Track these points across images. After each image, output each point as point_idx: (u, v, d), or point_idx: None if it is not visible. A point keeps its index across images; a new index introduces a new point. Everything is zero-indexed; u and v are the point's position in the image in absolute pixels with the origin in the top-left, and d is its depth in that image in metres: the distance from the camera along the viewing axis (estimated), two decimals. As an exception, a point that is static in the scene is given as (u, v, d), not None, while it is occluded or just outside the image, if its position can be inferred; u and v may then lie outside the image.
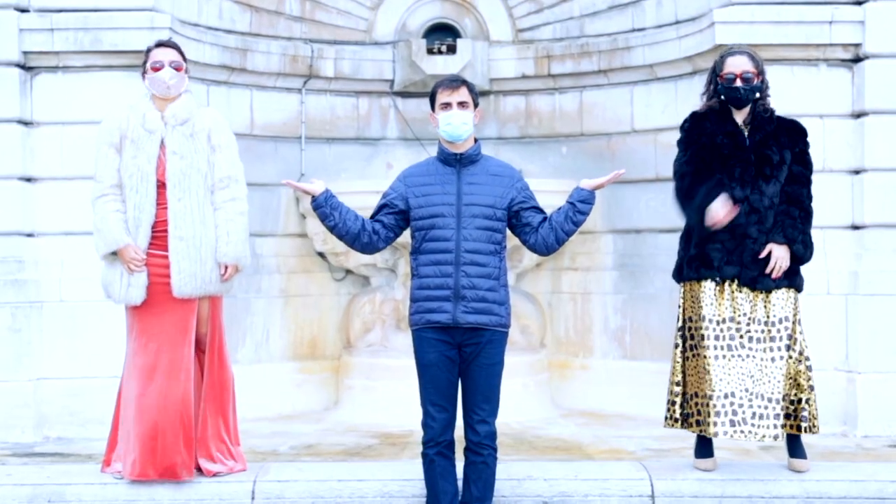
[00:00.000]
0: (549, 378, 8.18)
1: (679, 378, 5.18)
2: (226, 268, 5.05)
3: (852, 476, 5.14)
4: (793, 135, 5.15)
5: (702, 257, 5.08)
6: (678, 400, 5.18)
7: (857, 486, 5.03)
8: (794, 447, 5.16)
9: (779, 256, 5.03)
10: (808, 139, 5.22)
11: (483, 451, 4.67)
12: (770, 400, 4.96)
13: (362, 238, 4.77)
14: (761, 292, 5.05)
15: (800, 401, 5.05)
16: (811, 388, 5.08)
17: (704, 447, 5.21)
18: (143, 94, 5.16)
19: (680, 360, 5.17)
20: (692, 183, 5.07)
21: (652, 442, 6.67)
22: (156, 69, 5.03)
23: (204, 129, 5.07)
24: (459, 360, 4.67)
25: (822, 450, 6.12)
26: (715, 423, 5.00)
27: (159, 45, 5.14)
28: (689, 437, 5.61)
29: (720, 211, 4.95)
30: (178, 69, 5.05)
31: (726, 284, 5.06)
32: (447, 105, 4.69)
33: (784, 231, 5.04)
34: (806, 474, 5.09)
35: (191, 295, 4.99)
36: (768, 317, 5.03)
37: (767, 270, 5.03)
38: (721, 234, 5.04)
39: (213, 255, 5.01)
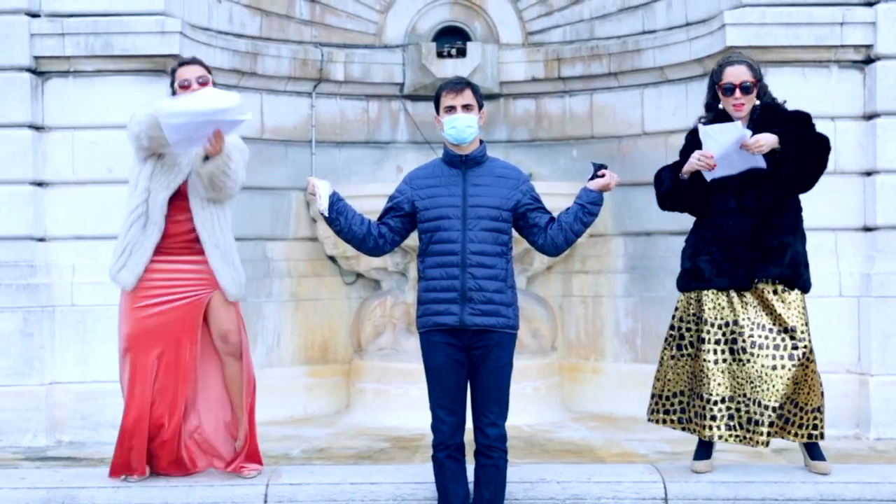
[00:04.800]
0: (560, 381, 8.17)
1: (661, 377, 5.19)
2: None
3: (866, 478, 5.10)
4: (797, 123, 4.98)
5: (693, 271, 5.06)
6: (657, 394, 5.20)
7: (871, 489, 4.99)
8: (813, 450, 5.12)
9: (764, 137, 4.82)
10: (812, 122, 5.01)
11: (493, 453, 4.65)
12: (766, 407, 4.93)
13: (368, 242, 4.75)
14: (765, 293, 4.98)
15: (816, 409, 5.00)
16: (821, 394, 5.04)
17: (702, 449, 5.19)
18: None
19: (669, 361, 5.16)
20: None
21: (664, 445, 6.66)
22: (185, 87, 5.09)
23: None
24: (468, 363, 4.65)
25: (835, 452, 6.09)
26: (710, 427, 5.00)
27: (182, 63, 5.21)
28: (701, 440, 5.60)
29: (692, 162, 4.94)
30: (204, 84, 5.10)
31: (731, 291, 5.02)
32: (451, 108, 4.66)
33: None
34: (818, 476, 5.06)
35: (239, 297, 5.10)
36: (774, 324, 4.97)
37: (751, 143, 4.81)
38: (712, 247, 5.01)
39: (237, 257, 5.10)
